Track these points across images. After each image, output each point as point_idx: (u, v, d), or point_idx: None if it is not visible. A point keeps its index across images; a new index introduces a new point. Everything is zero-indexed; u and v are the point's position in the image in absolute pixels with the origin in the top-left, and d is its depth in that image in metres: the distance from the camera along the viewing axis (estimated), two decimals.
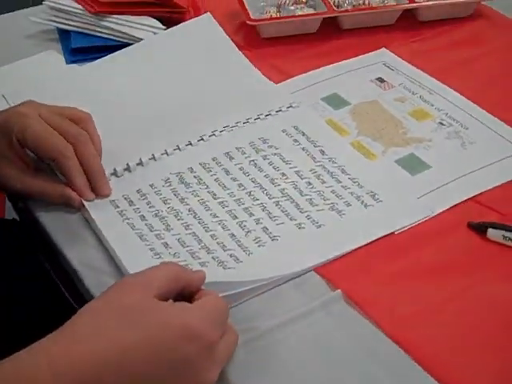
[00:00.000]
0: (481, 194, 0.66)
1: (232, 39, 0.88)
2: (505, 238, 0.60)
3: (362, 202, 0.65)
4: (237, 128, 0.73)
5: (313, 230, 0.62)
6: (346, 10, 0.91)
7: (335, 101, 0.78)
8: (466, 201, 0.65)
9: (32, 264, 0.67)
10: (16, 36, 0.92)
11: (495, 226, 0.61)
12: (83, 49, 0.88)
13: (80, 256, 0.61)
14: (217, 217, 0.64)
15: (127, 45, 0.87)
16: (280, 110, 0.76)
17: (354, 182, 0.67)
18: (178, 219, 0.63)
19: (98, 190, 0.65)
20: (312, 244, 0.61)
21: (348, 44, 0.89)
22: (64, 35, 0.91)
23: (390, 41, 0.89)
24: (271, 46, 0.89)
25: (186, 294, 0.51)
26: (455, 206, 0.64)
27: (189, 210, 0.64)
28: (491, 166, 0.68)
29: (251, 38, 0.90)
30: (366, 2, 0.92)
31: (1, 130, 0.64)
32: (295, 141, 0.72)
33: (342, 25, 0.91)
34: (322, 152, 0.70)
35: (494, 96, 0.78)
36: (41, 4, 0.92)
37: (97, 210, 0.64)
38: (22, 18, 0.93)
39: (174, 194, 0.66)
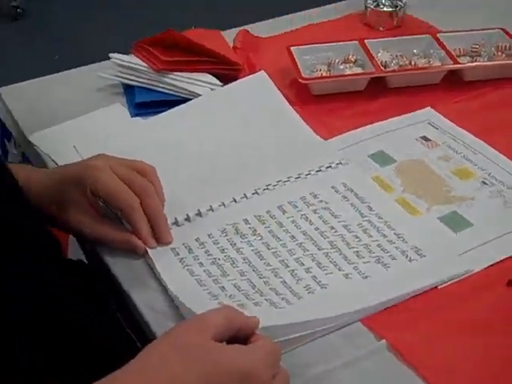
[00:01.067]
0: None
1: (284, 95, 0.93)
2: None
3: (407, 256, 0.69)
4: (289, 183, 0.78)
5: (359, 280, 0.67)
6: (393, 70, 0.96)
7: (381, 158, 0.83)
8: (506, 259, 0.68)
9: (98, 303, 0.72)
10: (85, 90, 0.99)
11: None
12: (146, 103, 0.94)
13: (143, 298, 0.66)
14: (270, 265, 0.68)
15: (187, 100, 0.94)
16: (330, 167, 0.81)
17: (399, 237, 0.71)
18: (234, 267, 0.68)
19: (160, 238, 0.70)
20: (358, 293, 0.65)
21: (394, 102, 0.94)
22: (129, 90, 0.98)
23: (435, 100, 0.94)
24: (321, 103, 0.94)
25: (241, 337, 0.55)
26: (496, 263, 0.68)
27: (244, 259, 0.69)
28: None
29: (303, 94, 0.96)
30: (412, 63, 0.97)
31: (76, 181, 0.71)
32: (344, 197, 0.76)
33: (389, 84, 0.96)
34: (369, 208, 0.75)
35: None
36: (108, 59, 1.00)
37: (159, 256, 0.69)
38: (91, 72, 1.01)
39: (230, 244, 0.71)
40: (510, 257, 0.69)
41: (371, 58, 0.97)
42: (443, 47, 0.99)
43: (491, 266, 0.68)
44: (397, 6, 1.12)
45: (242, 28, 1.13)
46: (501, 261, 0.68)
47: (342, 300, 0.64)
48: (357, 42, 1.01)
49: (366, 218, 0.73)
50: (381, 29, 1.12)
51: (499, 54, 0.99)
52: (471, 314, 0.63)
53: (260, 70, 0.97)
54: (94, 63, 1.05)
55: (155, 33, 1.00)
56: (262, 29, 1.14)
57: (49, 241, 0.68)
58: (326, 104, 0.94)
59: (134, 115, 0.94)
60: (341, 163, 0.81)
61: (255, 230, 0.73)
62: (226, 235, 0.72)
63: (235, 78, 0.97)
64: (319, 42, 1.03)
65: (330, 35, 1.08)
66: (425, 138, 0.86)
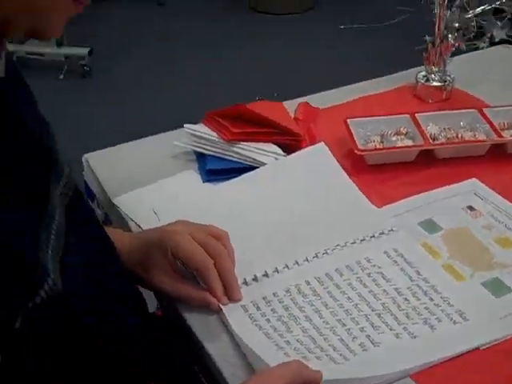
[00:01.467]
0: None
1: (341, 165, 1.03)
2: None
3: (451, 318, 0.77)
4: (346, 248, 0.87)
5: (408, 340, 0.75)
6: (442, 143, 1.05)
7: (430, 226, 0.91)
8: None
9: (175, 355, 0.82)
10: (161, 156, 1.11)
11: None
12: (217, 170, 1.06)
13: (217, 350, 0.76)
14: (328, 324, 0.77)
15: (253, 168, 1.04)
16: (383, 233, 0.90)
17: (445, 301, 0.79)
18: (297, 324, 0.78)
19: (232, 296, 0.80)
20: (407, 352, 0.74)
21: (442, 173, 1.03)
22: (200, 158, 1.09)
23: (480, 171, 1.02)
24: (375, 173, 1.04)
25: None
26: None
27: (305, 317, 0.78)
28: None
29: (358, 164, 1.05)
30: (459, 135, 1.06)
31: (159, 245, 0.81)
32: (394, 261, 0.85)
33: (437, 155, 1.05)
34: (418, 273, 0.83)
35: None
36: (181, 127, 1.12)
37: (231, 312, 0.79)
38: (166, 140, 1.13)
39: (293, 303, 0.80)
40: None
41: (421, 130, 1.06)
42: (488, 121, 1.08)
43: None
44: (445, 81, 1.22)
45: (301, 99, 1.24)
46: None
47: (393, 358, 0.72)
48: (408, 115, 1.10)
49: (414, 282, 0.82)
50: (430, 101, 1.22)
51: None
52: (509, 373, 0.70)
53: (320, 140, 1.07)
54: (168, 130, 1.17)
55: (215, 106, 1.12)
56: (320, 100, 1.24)
57: (138, 297, 0.79)
58: (379, 173, 1.04)
59: (205, 181, 1.05)
60: (393, 230, 0.90)
61: (315, 291, 0.82)
62: (290, 295, 0.82)
63: (297, 148, 1.08)
64: (373, 113, 1.13)
65: (383, 107, 1.18)
66: (470, 208, 0.94)
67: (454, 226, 0.91)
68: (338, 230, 0.91)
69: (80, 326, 0.64)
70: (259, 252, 0.88)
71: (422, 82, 1.23)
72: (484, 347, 0.74)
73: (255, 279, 0.84)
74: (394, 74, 1.32)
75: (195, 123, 1.12)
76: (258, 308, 0.80)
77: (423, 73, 1.23)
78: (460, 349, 0.73)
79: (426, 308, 0.78)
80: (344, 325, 0.77)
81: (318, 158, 1.04)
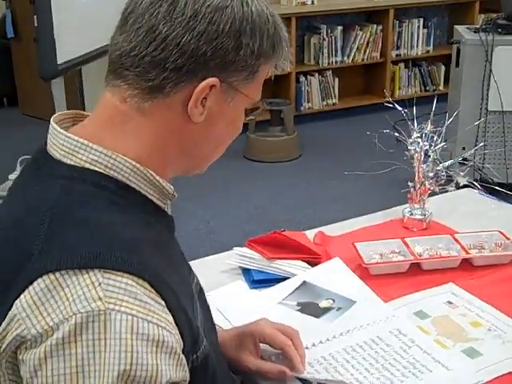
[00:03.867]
0: None
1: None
2: None
3: (437, 369, 1.11)
4: (364, 327, 1.23)
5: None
6: (426, 258, 1.43)
7: (421, 314, 1.27)
8: (507, 374, 1.10)
9: None
10: (217, 271, 1.47)
11: None
12: (260, 280, 1.42)
13: None
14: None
15: (287, 278, 1.41)
16: (387, 319, 1.25)
17: (432, 359, 1.14)
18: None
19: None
20: None
21: (427, 280, 1.40)
22: (246, 271, 1.46)
23: (455, 277, 1.39)
24: (378, 280, 1.40)
25: None
26: (500, 377, 1.09)
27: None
28: None
29: (364, 274, 1.42)
30: (438, 253, 1.45)
31: (250, 334, 1.12)
32: (396, 336, 1.20)
33: (423, 267, 1.43)
34: (413, 342, 1.18)
35: None
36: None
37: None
38: (222, 259, 1.50)
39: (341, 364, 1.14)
40: (509, 372, 1.10)
41: (410, 250, 1.45)
42: (459, 243, 1.47)
43: (495, 379, 1.09)
44: (425, 215, 1.62)
45: (317, 230, 1.63)
46: (502, 376, 1.10)
47: None
48: (399, 239, 1.49)
49: (411, 351, 1.17)
50: (414, 230, 1.61)
51: (497, 248, 1.47)
52: None
53: (335, 257, 1.45)
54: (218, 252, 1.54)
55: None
56: (331, 229, 1.63)
57: (232, 378, 1.10)
58: (381, 280, 1.40)
59: (251, 288, 1.41)
60: (394, 316, 1.26)
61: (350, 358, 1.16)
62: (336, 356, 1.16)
63: (318, 263, 1.45)
64: (372, 239, 1.51)
65: (379, 234, 1.57)
66: (449, 302, 1.31)
67: (439, 315, 1.27)
68: (359, 316, 1.26)
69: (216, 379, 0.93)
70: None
71: (408, 215, 1.63)
72: None
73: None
74: (386, 210, 1.72)
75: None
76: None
77: (408, 209, 1.64)
78: None
79: (422, 365, 1.13)
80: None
81: (335, 268, 1.41)
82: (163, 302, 0.77)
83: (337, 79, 5.13)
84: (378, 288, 1.37)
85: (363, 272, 1.43)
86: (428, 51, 5.49)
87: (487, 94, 3.52)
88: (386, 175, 1.96)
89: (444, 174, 1.59)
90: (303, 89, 4.98)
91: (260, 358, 1.14)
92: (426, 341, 1.20)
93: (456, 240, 1.49)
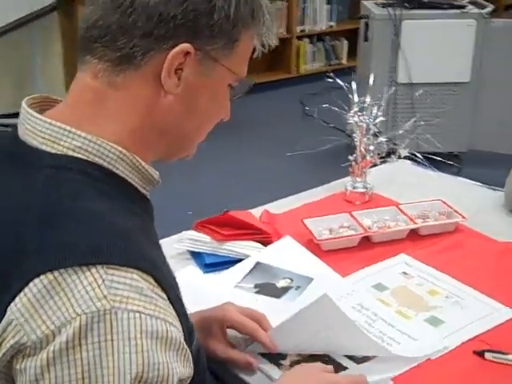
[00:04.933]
0: (477, 335, 1.14)
1: None
2: (495, 357, 1.08)
3: (404, 340, 1.12)
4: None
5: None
6: (376, 231, 1.44)
7: (380, 287, 1.28)
8: (471, 339, 1.13)
9: None
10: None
11: (489, 351, 1.08)
12: (213, 263, 1.38)
13: None
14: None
15: (240, 259, 1.38)
16: (348, 294, 1.25)
17: (398, 331, 1.15)
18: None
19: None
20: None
21: (379, 251, 1.41)
22: (196, 255, 1.42)
23: (404, 248, 1.41)
24: (331, 255, 1.40)
25: None
26: (462, 343, 1.12)
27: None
28: (480, 320, 1.17)
29: (316, 250, 1.41)
30: (386, 225, 1.46)
31: (217, 319, 1.09)
32: (359, 311, 1.20)
33: (373, 239, 1.44)
34: (376, 315, 1.19)
35: (480, 280, 1.29)
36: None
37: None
38: (169, 243, 1.44)
39: None
40: (471, 338, 1.13)
41: (360, 223, 1.46)
42: (405, 214, 1.49)
43: (461, 344, 1.12)
44: (367, 188, 1.63)
45: (262, 207, 1.60)
46: (467, 341, 1.13)
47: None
48: (347, 214, 1.50)
49: (375, 323, 1.17)
50: (357, 203, 1.62)
51: (441, 216, 1.50)
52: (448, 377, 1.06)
53: (286, 235, 1.44)
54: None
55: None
56: (274, 207, 1.61)
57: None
58: (333, 256, 1.40)
59: (205, 272, 1.37)
60: (354, 291, 1.26)
61: None
62: None
63: (269, 242, 1.43)
64: (316, 215, 1.51)
65: (323, 209, 1.57)
66: (404, 273, 1.33)
67: (396, 286, 1.29)
68: (320, 293, 1.25)
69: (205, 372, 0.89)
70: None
71: (350, 189, 1.64)
72: (434, 357, 1.09)
73: None
74: (326, 185, 1.72)
75: None
76: None
77: (350, 182, 1.64)
78: (412, 359, 1.08)
79: (390, 338, 1.14)
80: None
81: (288, 246, 1.40)
82: (165, 295, 0.73)
83: None
84: (332, 263, 1.37)
85: (315, 248, 1.42)
86: (331, 26, 5.57)
87: (396, 67, 3.62)
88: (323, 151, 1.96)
89: (385, 146, 1.60)
90: None
91: (228, 344, 1.11)
92: (388, 312, 1.21)
93: (401, 211, 1.51)
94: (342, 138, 1.64)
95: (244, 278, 1.34)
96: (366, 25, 3.71)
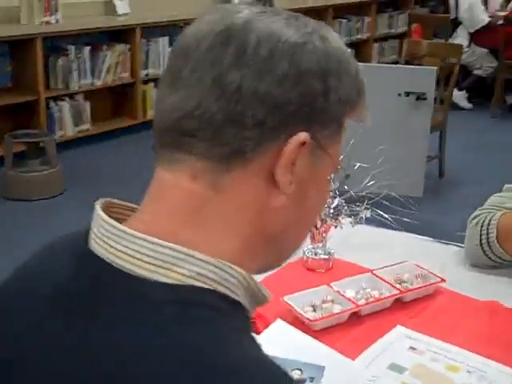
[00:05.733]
0: None
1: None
2: None
3: None
4: None
5: None
6: (363, 305, 1.34)
7: (397, 368, 1.18)
8: None
9: None
10: None
11: None
12: None
13: None
14: None
15: None
16: (369, 381, 1.14)
17: None
18: None
19: None
20: None
21: (370, 325, 1.32)
22: None
23: (395, 319, 1.33)
24: (322, 335, 1.28)
25: None
26: None
27: None
28: None
29: (306, 328, 1.28)
30: (372, 295, 1.37)
31: None
32: None
33: (361, 312, 1.35)
34: None
35: (486, 346, 1.24)
36: None
37: None
38: None
39: None
40: None
41: (343, 296, 1.35)
42: (383, 280, 1.41)
43: None
44: (329, 253, 1.54)
45: None
46: None
47: None
48: (326, 286, 1.39)
49: None
50: (322, 271, 1.52)
51: (418, 279, 1.44)
52: None
53: (276, 318, 1.29)
54: None
55: None
56: None
57: None
58: (325, 335, 1.28)
59: None
60: (374, 377, 1.15)
61: None
62: None
63: (256, 331, 1.27)
64: (282, 286, 1.37)
65: (287, 281, 1.44)
66: (412, 348, 1.24)
67: (412, 365, 1.20)
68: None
69: None
70: None
71: (312, 256, 1.53)
72: None
73: None
74: None
75: None
76: None
77: (309, 249, 1.54)
78: None
79: None
80: None
81: (283, 332, 1.26)
82: None
83: (88, 103, 4.83)
84: (328, 344, 1.25)
85: (303, 327, 1.29)
86: None
87: None
88: None
89: (346, 207, 1.52)
90: (55, 115, 4.59)
91: None
92: None
93: (379, 277, 1.43)
94: None
95: None
96: None
